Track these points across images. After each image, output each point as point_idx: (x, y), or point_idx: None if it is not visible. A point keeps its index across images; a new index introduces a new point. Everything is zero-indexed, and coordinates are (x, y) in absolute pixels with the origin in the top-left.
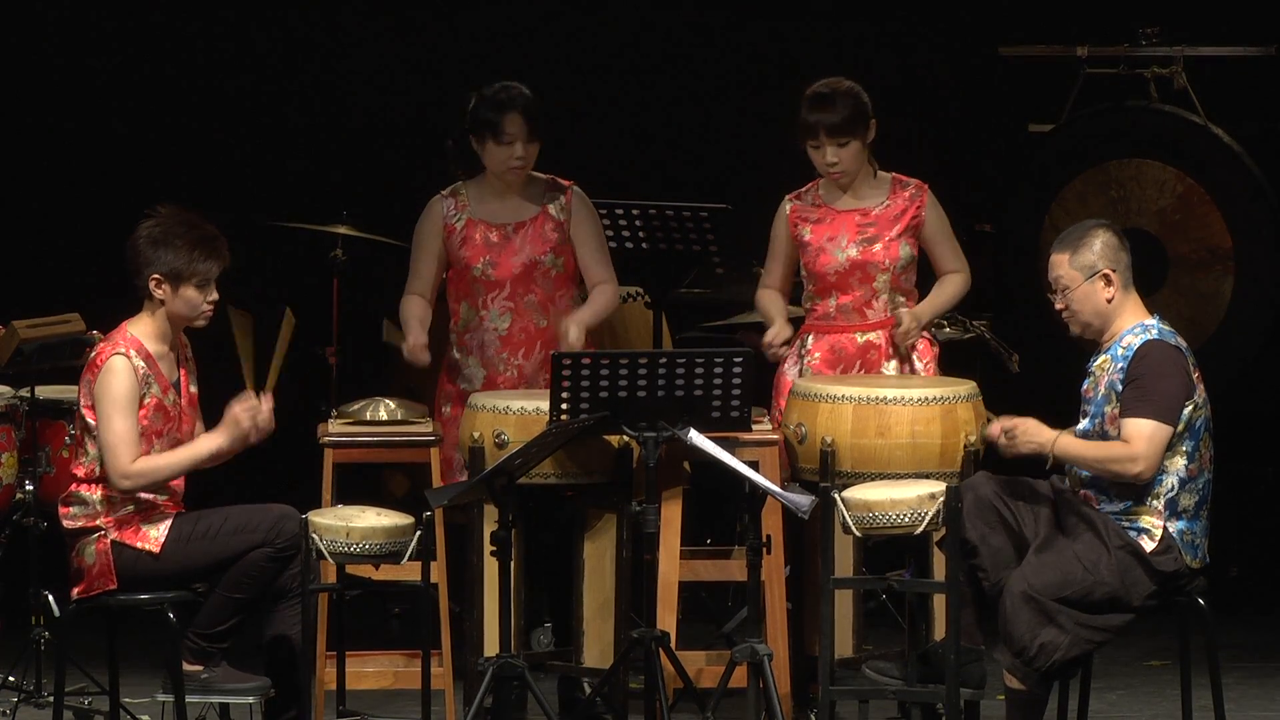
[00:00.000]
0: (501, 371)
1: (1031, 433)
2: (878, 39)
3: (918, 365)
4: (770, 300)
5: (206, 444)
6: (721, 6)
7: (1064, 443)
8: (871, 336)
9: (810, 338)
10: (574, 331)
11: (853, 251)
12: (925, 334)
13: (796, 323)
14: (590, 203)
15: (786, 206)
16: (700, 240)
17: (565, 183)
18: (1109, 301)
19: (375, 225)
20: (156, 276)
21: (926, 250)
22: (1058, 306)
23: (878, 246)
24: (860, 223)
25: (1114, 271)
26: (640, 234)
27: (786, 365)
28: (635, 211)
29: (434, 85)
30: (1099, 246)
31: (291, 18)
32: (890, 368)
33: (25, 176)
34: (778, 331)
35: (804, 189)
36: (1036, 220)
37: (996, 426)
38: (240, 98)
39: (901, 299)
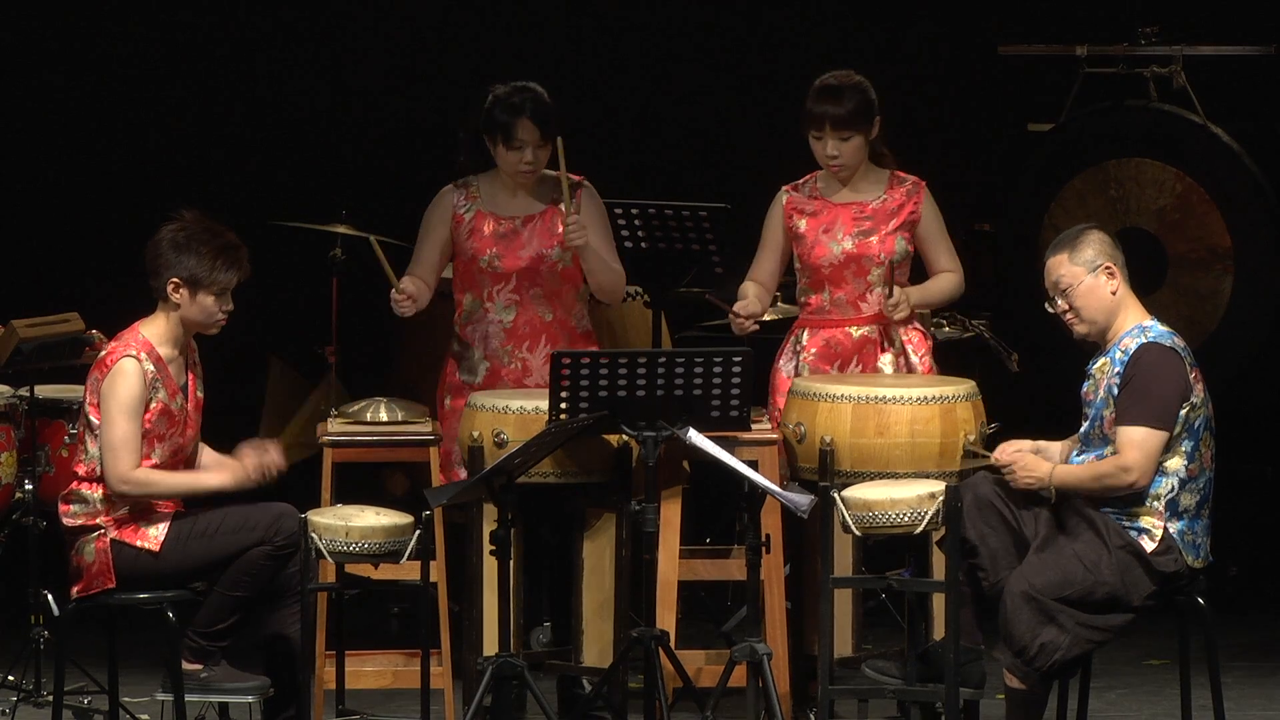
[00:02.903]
0: (506, 364)
1: (1030, 467)
2: (877, 38)
3: (913, 358)
4: (749, 288)
5: (212, 480)
6: (723, 6)
7: (1060, 473)
8: (866, 330)
9: (805, 333)
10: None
11: (848, 244)
12: (918, 327)
13: (788, 323)
14: (599, 198)
15: (783, 197)
16: (700, 240)
17: (576, 178)
18: (1114, 294)
19: (375, 225)
20: (175, 281)
21: (920, 249)
22: (1060, 308)
23: (874, 240)
24: (857, 216)
25: (1114, 266)
26: (640, 234)
27: (781, 362)
28: (635, 211)
29: (434, 85)
30: (1095, 243)
31: (291, 17)
32: (886, 361)
33: (25, 176)
34: (746, 304)
35: (802, 180)
36: (1036, 220)
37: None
38: (240, 98)
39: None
